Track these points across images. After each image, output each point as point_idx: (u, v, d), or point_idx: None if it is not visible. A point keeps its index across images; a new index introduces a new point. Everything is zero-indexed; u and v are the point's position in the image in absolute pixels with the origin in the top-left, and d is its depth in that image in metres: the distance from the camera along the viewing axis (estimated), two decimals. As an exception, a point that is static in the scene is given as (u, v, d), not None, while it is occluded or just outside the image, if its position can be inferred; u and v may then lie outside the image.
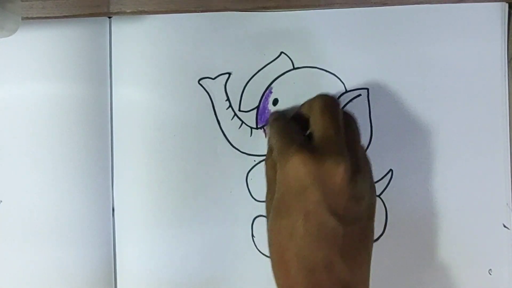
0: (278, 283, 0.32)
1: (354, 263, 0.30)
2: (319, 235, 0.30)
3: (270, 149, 0.35)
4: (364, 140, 0.35)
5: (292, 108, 0.38)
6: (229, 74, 0.38)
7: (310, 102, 0.34)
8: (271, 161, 0.34)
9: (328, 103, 0.33)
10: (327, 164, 0.30)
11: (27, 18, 0.37)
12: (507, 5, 0.37)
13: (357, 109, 0.36)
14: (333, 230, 0.30)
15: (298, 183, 0.30)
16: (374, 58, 0.38)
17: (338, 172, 0.29)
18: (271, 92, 0.38)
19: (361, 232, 0.31)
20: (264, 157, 0.38)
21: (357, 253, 0.31)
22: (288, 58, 0.38)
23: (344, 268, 0.30)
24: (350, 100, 0.38)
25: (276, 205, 0.32)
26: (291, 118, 0.35)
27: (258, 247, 0.38)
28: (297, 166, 0.30)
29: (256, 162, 0.38)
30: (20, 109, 0.38)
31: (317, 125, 0.32)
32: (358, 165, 0.31)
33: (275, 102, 0.38)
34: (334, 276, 0.30)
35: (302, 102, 0.36)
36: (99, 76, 0.38)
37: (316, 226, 0.30)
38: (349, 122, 0.34)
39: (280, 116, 0.36)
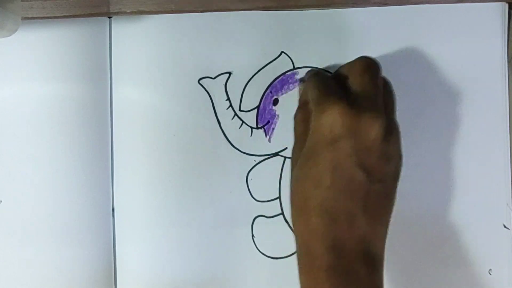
0: (297, 230, 0.33)
1: (375, 220, 0.31)
2: (345, 188, 0.30)
3: (302, 103, 0.36)
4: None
5: (328, 69, 0.38)
6: (229, 73, 0.38)
7: (350, 63, 0.34)
8: (302, 115, 0.35)
9: (370, 64, 0.33)
10: (363, 118, 0.30)
11: (27, 18, 0.37)
12: (507, 5, 0.37)
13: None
14: (360, 184, 0.30)
15: (332, 133, 0.30)
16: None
17: (373, 128, 0.30)
18: (271, 92, 0.38)
19: (385, 192, 0.32)
20: (264, 157, 0.38)
21: (379, 211, 0.31)
22: (288, 58, 0.38)
23: (365, 223, 0.30)
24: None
25: (306, 154, 0.32)
26: (331, 77, 0.35)
27: (258, 247, 0.38)
28: (334, 117, 0.30)
29: (256, 162, 0.38)
30: (20, 109, 0.38)
31: (357, 83, 0.32)
32: (392, 127, 0.31)
33: (275, 102, 0.38)
34: (354, 228, 0.30)
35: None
36: (99, 76, 0.38)
37: (343, 178, 0.30)
38: (387, 87, 0.34)
39: (320, 72, 0.37)
